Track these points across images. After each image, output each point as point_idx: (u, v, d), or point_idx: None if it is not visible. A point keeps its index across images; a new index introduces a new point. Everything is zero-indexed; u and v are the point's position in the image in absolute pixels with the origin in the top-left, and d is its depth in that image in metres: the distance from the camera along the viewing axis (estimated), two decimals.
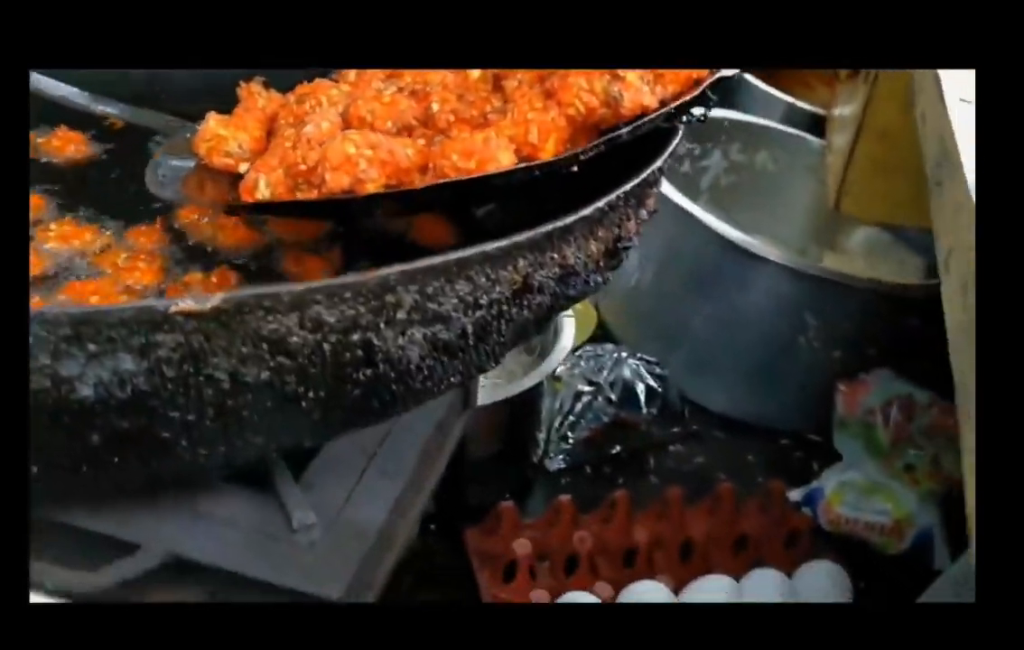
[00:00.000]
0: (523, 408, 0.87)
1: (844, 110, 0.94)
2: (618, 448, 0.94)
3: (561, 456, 0.93)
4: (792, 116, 1.16)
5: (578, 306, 1.11)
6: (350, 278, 0.33)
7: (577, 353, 0.96)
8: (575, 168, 0.40)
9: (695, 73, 0.44)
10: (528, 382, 0.85)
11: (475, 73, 0.47)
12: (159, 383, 0.33)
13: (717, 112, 1.13)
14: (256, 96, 0.53)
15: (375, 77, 0.51)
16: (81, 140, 0.61)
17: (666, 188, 0.96)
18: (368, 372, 0.36)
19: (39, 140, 0.59)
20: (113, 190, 0.59)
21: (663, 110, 0.41)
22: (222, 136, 0.49)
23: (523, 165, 0.39)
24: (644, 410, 0.94)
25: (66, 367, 0.31)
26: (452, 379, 0.42)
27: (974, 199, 0.38)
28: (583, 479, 0.92)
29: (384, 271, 0.33)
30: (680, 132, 0.45)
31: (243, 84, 0.54)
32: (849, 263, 1.01)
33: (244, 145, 0.49)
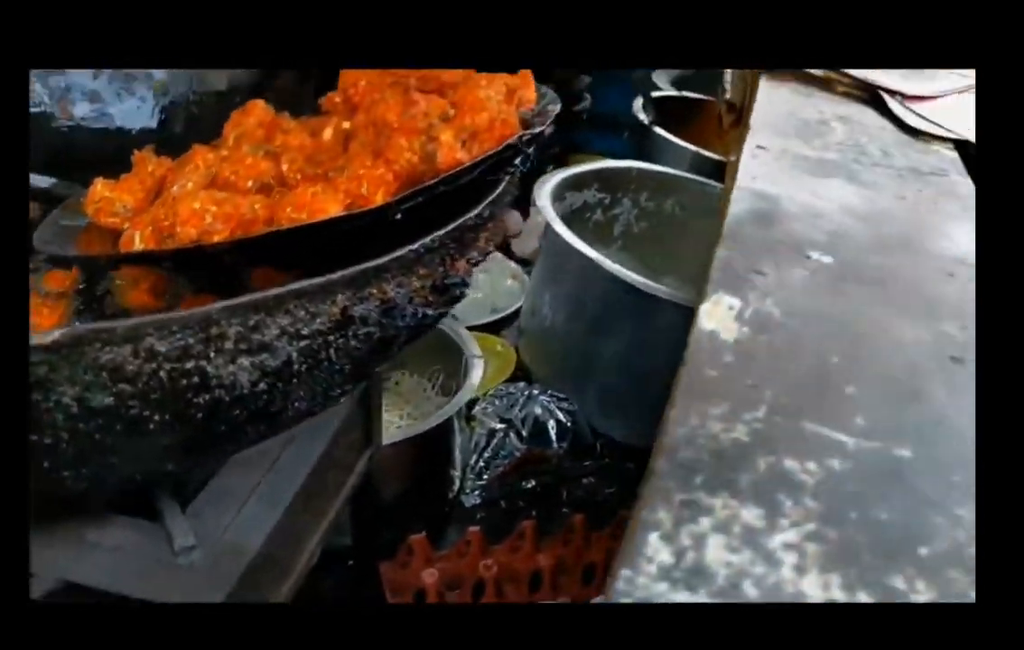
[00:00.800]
0: (433, 445, 0.92)
1: (732, 156, 1.01)
2: (532, 482, 0.99)
3: (477, 492, 0.97)
4: (699, 164, 1.24)
5: (498, 347, 1.18)
6: (177, 313, 0.39)
7: (491, 393, 1.02)
8: (399, 216, 0.46)
9: (508, 131, 0.50)
10: (435, 420, 0.90)
11: (327, 135, 0.53)
12: None
13: (626, 163, 1.21)
14: (146, 162, 0.60)
15: (250, 141, 0.57)
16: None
17: (571, 238, 1.03)
18: (206, 397, 0.41)
19: None
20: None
21: (474, 162, 0.47)
22: (108, 198, 0.55)
23: (345, 213, 0.45)
24: (555, 445, 0.99)
25: None
26: (298, 405, 0.48)
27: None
28: (498, 513, 0.97)
29: (208, 307, 0.39)
30: (501, 185, 0.51)
31: (136, 152, 0.60)
32: None
33: (128, 206, 0.55)
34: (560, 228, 1.03)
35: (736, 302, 0.41)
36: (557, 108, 0.54)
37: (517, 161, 0.53)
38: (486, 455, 0.98)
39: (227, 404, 0.43)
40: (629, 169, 1.18)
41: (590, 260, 1.01)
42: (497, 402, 1.00)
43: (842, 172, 0.57)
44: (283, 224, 0.45)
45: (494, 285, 1.26)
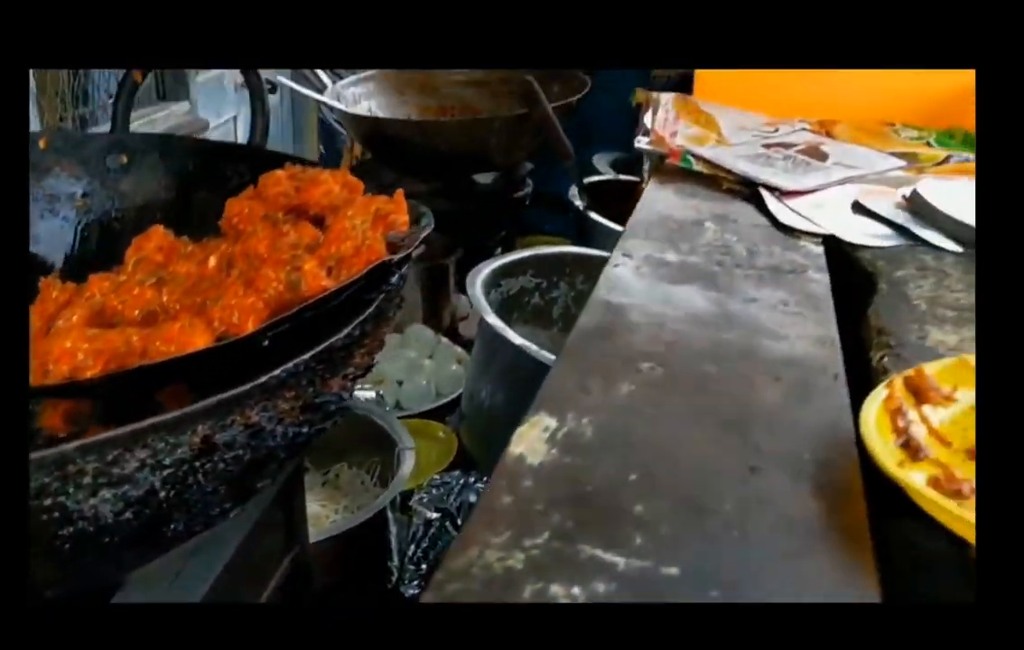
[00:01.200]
0: (368, 537, 0.94)
1: None
2: None
3: (416, 582, 0.99)
4: None
5: (440, 434, 1.20)
6: (33, 455, 0.41)
7: (428, 483, 1.03)
8: (266, 343, 0.48)
9: (373, 256, 0.53)
10: (366, 514, 0.92)
11: (212, 262, 0.56)
12: None
13: (560, 248, 1.24)
14: (51, 288, 0.62)
15: (148, 267, 0.60)
16: None
17: (500, 325, 1.06)
18: (70, 529, 0.44)
19: None
20: None
21: (339, 288, 0.50)
22: None
23: (212, 346, 0.48)
24: None
25: None
26: (175, 527, 0.50)
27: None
28: None
29: (61, 447, 0.41)
30: (374, 304, 0.53)
31: (43, 278, 0.63)
32: None
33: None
34: (491, 317, 1.06)
35: (553, 422, 0.43)
36: (429, 228, 0.57)
37: (394, 280, 0.56)
38: (424, 545, 1.00)
39: (92, 534, 0.45)
40: (564, 254, 1.22)
41: (518, 347, 1.04)
42: (433, 491, 1.02)
43: (701, 277, 0.60)
44: (155, 357, 0.48)
45: (439, 370, 1.29)
